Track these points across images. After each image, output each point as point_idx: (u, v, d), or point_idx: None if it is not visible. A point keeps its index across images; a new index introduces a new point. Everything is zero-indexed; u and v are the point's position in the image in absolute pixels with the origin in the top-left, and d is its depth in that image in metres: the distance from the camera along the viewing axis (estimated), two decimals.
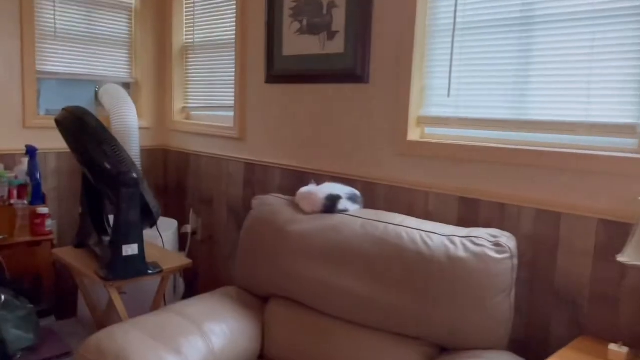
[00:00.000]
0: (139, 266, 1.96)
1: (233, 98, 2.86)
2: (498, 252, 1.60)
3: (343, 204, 1.94)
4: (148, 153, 3.33)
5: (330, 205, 1.93)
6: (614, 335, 1.62)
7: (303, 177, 2.53)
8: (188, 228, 3.10)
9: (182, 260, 2.21)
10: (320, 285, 1.83)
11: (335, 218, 1.91)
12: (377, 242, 1.76)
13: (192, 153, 3.18)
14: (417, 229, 1.76)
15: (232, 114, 2.89)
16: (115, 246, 1.92)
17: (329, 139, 2.42)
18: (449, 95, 2.03)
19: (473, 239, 1.65)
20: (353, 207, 1.97)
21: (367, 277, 1.74)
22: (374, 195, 2.23)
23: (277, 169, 2.66)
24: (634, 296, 1.58)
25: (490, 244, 1.62)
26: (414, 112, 2.11)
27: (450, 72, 2.01)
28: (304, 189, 2.04)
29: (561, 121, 1.74)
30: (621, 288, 1.60)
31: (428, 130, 2.14)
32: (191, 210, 3.17)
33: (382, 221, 1.83)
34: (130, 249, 1.92)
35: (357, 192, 2.03)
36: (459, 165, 1.98)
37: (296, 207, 2.04)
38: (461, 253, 1.62)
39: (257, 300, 2.06)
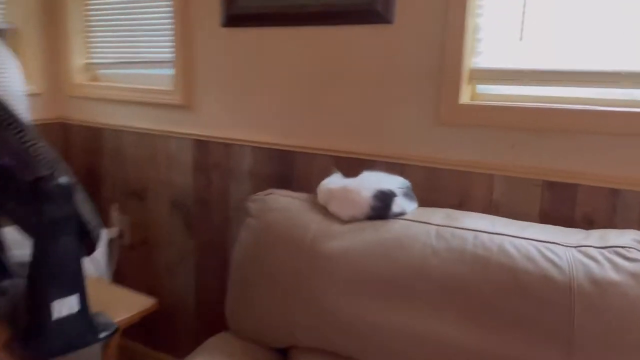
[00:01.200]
0: (81, 330, 1.18)
1: (171, 49, 2.04)
2: None
3: (399, 204, 1.31)
4: (39, 129, 2.38)
5: (382, 207, 1.29)
6: None
7: (291, 160, 1.84)
8: (112, 231, 2.27)
9: (141, 301, 1.45)
10: (381, 332, 1.21)
11: (392, 227, 1.28)
12: (471, 262, 1.17)
13: (108, 128, 2.31)
14: (525, 238, 1.19)
15: (169, 72, 2.07)
16: (39, 304, 1.13)
17: (331, 104, 1.74)
18: (521, 38, 1.45)
19: (619, 249, 1.12)
20: (411, 207, 1.35)
21: (462, 319, 1.15)
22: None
23: (246, 148, 1.93)
24: None
25: None
26: (465, 64, 1.51)
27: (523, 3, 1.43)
28: (330, 183, 1.37)
29: None
30: None
31: (482, 88, 1.55)
32: (113, 207, 2.33)
33: (465, 228, 1.24)
34: (66, 306, 1.14)
35: (409, 183, 1.40)
36: (538, 136, 1.43)
37: (323, 211, 1.37)
38: (611, 274, 1.09)
39: (269, 355, 1.39)
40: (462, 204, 1.57)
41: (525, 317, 1.12)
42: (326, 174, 1.76)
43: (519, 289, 1.13)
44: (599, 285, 1.09)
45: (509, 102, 1.48)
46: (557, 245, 1.17)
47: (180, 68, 2.01)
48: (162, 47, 2.09)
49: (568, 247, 1.16)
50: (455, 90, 1.52)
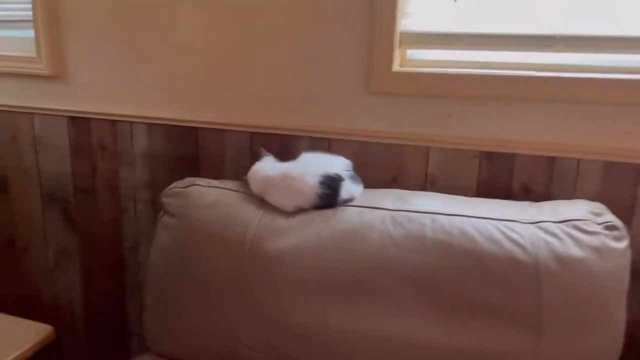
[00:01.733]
0: None
1: (29, 5, 1.63)
2: (617, 239, 1.09)
3: (347, 189, 1.17)
4: None
5: (330, 194, 1.14)
6: None
7: (195, 138, 1.59)
8: None
9: (34, 329, 1.15)
10: (343, 338, 1.08)
11: (343, 216, 1.14)
12: (433, 250, 1.08)
13: None
14: (483, 218, 1.12)
15: (28, 34, 1.67)
16: None
17: (244, 71, 1.52)
18: None
19: (576, 223, 1.10)
20: (358, 191, 1.21)
21: (430, 313, 1.06)
22: None
23: (139, 126, 1.64)
24: None
25: (604, 229, 1.09)
26: (397, 26, 1.38)
27: None
28: (264, 170, 1.18)
29: None
30: None
31: (412, 54, 1.44)
32: None
33: (420, 211, 1.14)
34: None
35: (351, 163, 1.26)
36: (475, 104, 1.36)
37: (260, 203, 1.18)
38: (574, 250, 1.06)
39: None
40: (396, 180, 1.47)
41: (494, 303, 1.05)
42: (240, 153, 1.56)
43: (486, 275, 1.05)
44: (564, 263, 1.05)
45: (444, 69, 1.38)
46: (516, 223, 1.11)
47: (42, 28, 1.62)
48: (17, 1, 1.67)
49: (527, 224, 1.11)
50: (388, 56, 1.38)
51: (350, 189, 1.18)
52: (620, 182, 1.30)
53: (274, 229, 1.11)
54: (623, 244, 1.08)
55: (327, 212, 1.14)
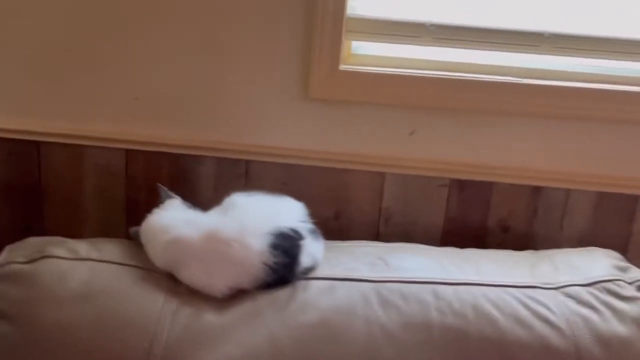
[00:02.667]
0: None
1: None
2: None
3: (308, 252, 0.75)
4: None
5: (286, 263, 0.71)
6: None
7: (34, 155, 1.06)
8: None
9: None
10: None
11: (306, 299, 0.73)
12: (444, 343, 0.73)
13: None
14: (498, 285, 0.80)
15: None
16: None
17: (122, 63, 1.02)
18: None
19: (609, 286, 0.83)
20: (320, 253, 0.80)
21: None
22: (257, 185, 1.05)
23: None
24: None
25: (636, 290, 0.83)
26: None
27: None
28: (174, 224, 0.73)
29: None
30: None
31: (362, 47, 1.07)
32: None
33: (414, 280, 0.78)
34: None
35: (302, 205, 0.84)
36: (442, 117, 1.04)
37: (169, 283, 0.71)
38: (616, 326, 0.79)
39: None
40: (339, 216, 1.09)
41: None
42: (110, 182, 1.06)
43: None
44: (608, 346, 0.77)
45: (405, 69, 1.03)
46: (538, 290, 0.81)
47: None
48: None
49: (551, 291, 0.81)
50: (334, 48, 0.99)
51: (313, 250, 0.77)
52: (613, 216, 1.07)
53: (198, 333, 0.66)
54: None
55: (280, 294, 0.72)
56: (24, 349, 0.64)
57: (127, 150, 1.05)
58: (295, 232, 0.74)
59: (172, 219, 0.76)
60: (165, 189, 0.86)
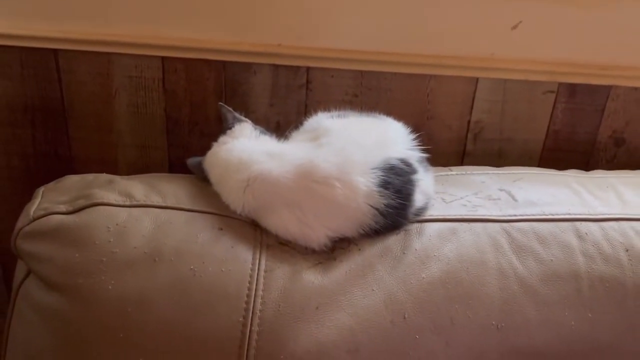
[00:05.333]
0: None
1: None
2: None
3: (422, 189, 0.59)
4: None
5: (400, 205, 0.55)
6: None
7: (52, 66, 0.88)
8: None
9: None
10: None
11: (425, 248, 0.57)
12: (597, 301, 0.58)
13: None
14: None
15: None
16: None
17: None
18: None
19: None
20: (432, 188, 0.63)
21: None
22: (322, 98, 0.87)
23: None
24: None
25: None
26: None
27: None
28: (254, 158, 0.56)
29: None
30: None
31: None
32: None
33: (549, 216, 0.62)
34: None
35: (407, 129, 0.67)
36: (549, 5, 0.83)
37: (255, 233, 0.55)
38: None
39: None
40: (421, 131, 0.91)
41: None
42: (146, 96, 0.89)
43: None
44: None
45: None
46: None
47: None
48: None
49: None
50: None
51: (425, 185, 0.60)
52: None
53: (299, 299, 0.51)
54: None
55: (392, 243, 0.56)
56: (81, 330, 0.50)
57: (164, 58, 0.86)
58: (407, 164, 0.57)
59: (250, 150, 0.59)
60: (231, 109, 0.68)
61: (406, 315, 0.53)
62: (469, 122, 0.91)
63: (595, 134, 0.92)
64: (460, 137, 0.92)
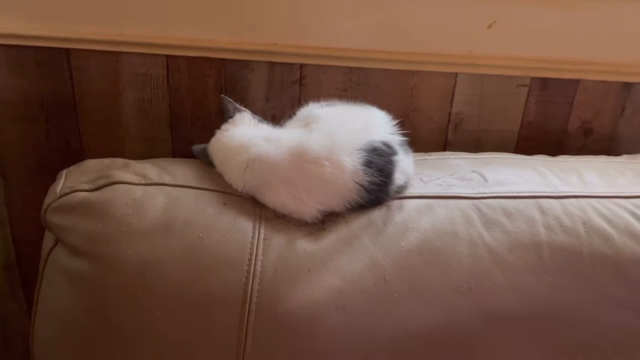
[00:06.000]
0: None
1: None
2: None
3: (402, 168, 0.67)
4: None
5: (381, 182, 0.63)
6: None
7: (64, 64, 0.95)
8: None
9: None
10: None
11: (405, 221, 0.65)
12: (555, 263, 0.66)
13: None
14: (601, 196, 0.72)
15: None
16: None
17: None
18: None
19: None
20: (411, 168, 0.71)
21: None
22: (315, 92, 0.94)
23: None
24: None
25: None
26: None
27: None
28: (253, 142, 0.63)
29: None
30: None
31: None
32: None
33: (515, 193, 0.70)
34: None
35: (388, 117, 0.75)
36: (522, 5, 0.91)
37: (255, 208, 0.63)
38: None
39: None
40: (404, 123, 0.98)
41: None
42: (153, 92, 0.96)
43: (632, 299, 0.67)
44: None
45: None
46: None
47: None
48: None
49: None
50: None
51: (405, 165, 0.68)
52: None
53: (294, 263, 0.59)
54: None
55: (375, 216, 0.64)
56: (104, 290, 0.57)
57: (168, 57, 0.93)
58: (388, 146, 0.65)
59: (249, 136, 0.66)
60: (232, 100, 0.76)
61: (387, 278, 0.61)
62: (449, 114, 0.99)
63: (566, 124, 0.99)
64: (442, 128, 1.00)
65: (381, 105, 0.90)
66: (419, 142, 0.96)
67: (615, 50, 0.93)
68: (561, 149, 0.99)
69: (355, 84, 0.96)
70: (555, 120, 0.99)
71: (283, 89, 0.96)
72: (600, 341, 0.67)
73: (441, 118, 0.99)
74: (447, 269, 0.63)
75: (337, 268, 0.59)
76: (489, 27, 0.92)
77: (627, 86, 0.96)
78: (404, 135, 0.71)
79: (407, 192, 0.68)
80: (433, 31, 0.92)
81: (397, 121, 0.73)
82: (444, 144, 1.01)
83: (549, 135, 1.00)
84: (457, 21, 0.91)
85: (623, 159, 0.86)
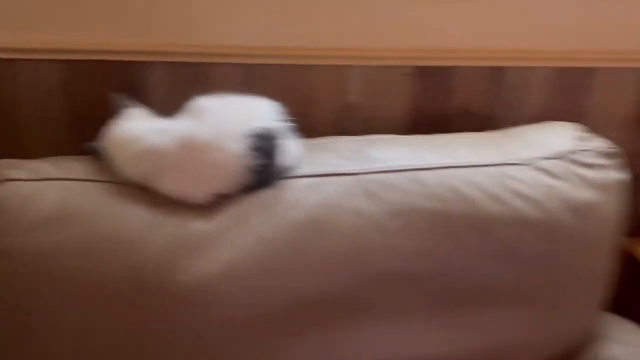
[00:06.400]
0: None
1: None
2: (619, 167, 0.89)
3: (288, 151, 0.73)
4: None
5: (267, 164, 0.69)
6: None
7: None
8: None
9: None
10: None
11: (291, 197, 0.72)
12: (427, 226, 0.75)
13: None
14: (469, 166, 0.81)
15: None
16: None
17: None
18: None
19: (574, 156, 0.86)
20: (299, 151, 0.77)
21: (434, 319, 0.75)
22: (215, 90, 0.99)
23: None
24: None
25: (604, 158, 0.88)
26: None
27: None
28: (144, 134, 0.68)
29: None
30: None
31: None
32: None
33: (393, 168, 0.78)
34: None
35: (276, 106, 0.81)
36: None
37: (146, 194, 0.67)
38: (585, 193, 0.83)
39: None
40: (303, 115, 1.04)
41: (508, 284, 0.78)
42: (49, 99, 0.97)
43: (495, 248, 0.77)
44: (579, 212, 0.82)
45: None
46: (513, 168, 0.83)
47: None
48: None
49: (525, 167, 0.83)
50: None
51: (291, 149, 0.74)
52: (570, 91, 1.09)
53: (187, 242, 0.64)
54: (622, 172, 0.88)
55: (265, 196, 0.70)
56: (3, 283, 0.60)
57: (67, 61, 0.95)
58: (273, 131, 0.71)
59: (141, 128, 0.70)
60: (121, 97, 0.79)
61: (277, 250, 0.67)
62: (344, 104, 1.06)
63: (448, 108, 1.09)
64: (338, 118, 1.07)
65: (280, 99, 0.96)
66: (317, 132, 1.03)
67: (487, 37, 1.03)
68: (447, 130, 1.09)
69: (254, 79, 1.01)
70: (438, 104, 1.08)
71: (185, 88, 0.99)
72: (475, 291, 0.76)
73: (337, 108, 1.06)
74: (333, 238, 0.69)
75: (230, 243, 0.65)
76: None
77: (501, 70, 1.07)
78: (290, 121, 0.77)
79: (297, 173, 0.74)
80: (325, 28, 0.99)
81: (286, 111, 0.79)
82: (342, 133, 1.08)
83: (433, 119, 1.09)
84: (346, 18, 0.99)
85: (494, 134, 0.96)
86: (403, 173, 0.77)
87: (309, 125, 1.04)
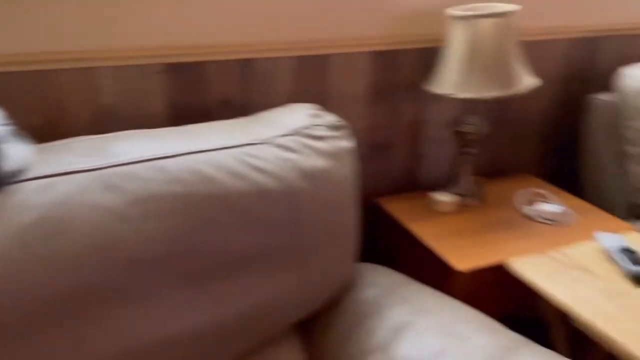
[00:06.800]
0: None
1: None
2: (345, 137, 1.05)
3: (13, 155, 0.73)
4: None
5: None
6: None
7: None
8: None
9: None
10: None
11: (24, 199, 0.72)
12: (172, 209, 0.81)
13: None
14: (212, 150, 0.90)
15: None
16: None
17: None
18: None
19: (306, 131, 1.00)
20: (29, 154, 0.77)
21: (187, 294, 0.82)
22: None
23: None
24: None
25: (332, 130, 1.03)
26: None
27: None
28: None
29: None
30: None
31: None
32: None
33: (134, 160, 0.83)
34: None
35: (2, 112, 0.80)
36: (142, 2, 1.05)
37: None
38: (316, 161, 0.97)
39: None
40: (55, 123, 1.04)
41: (256, 252, 0.87)
42: None
43: (240, 220, 0.85)
44: (312, 178, 0.94)
45: None
46: (253, 147, 0.92)
47: None
48: None
49: (264, 145, 0.93)
50: None
51: (18, 152, 0.74)
52: (311, 77, 1.24)
53: None
54: (350, 141, 1.03)
55: None
56: None
57: None
58: None
59: None
60: None
61: (12, 255, 0.67)
62: (99, 107, 1.07)
63: (206, 100, 1.16)
64: (96, 120, 1.07)
65: (26, 107, 0.94)
66: (73, 136, 1.03)
67: (235, 33, 1.12)
68: (207, 121, 1.16)
69: None
70: (196, 98, 1.15)
71: None
72: (226, 263, 0.83)
73: (92, 112, 1.07)
74: (72, 235, 0.71)
75: None
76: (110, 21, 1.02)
77: (250, 61, 1.16)
78: (12, 125, 0.76)
79: (26, 176, 0.74)
80: (66, 30, 0.99)
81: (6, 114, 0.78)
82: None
83: (195, 112, 1.15)
84: (85, 19, 0.99)
85: (246, 119, 1.05)
86: (145, 163, 0.81)
87: (63, 130, 1.04)
